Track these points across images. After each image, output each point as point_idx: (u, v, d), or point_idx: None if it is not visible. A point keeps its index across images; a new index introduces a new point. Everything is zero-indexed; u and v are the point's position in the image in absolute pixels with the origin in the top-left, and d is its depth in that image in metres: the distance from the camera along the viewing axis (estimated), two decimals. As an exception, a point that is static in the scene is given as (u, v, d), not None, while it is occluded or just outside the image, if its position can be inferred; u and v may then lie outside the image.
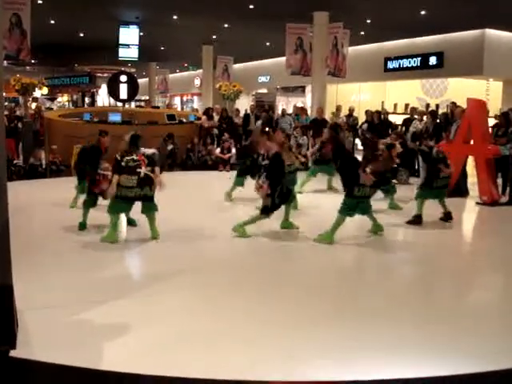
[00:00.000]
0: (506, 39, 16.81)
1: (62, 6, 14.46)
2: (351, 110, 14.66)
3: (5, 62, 13.28)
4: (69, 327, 3.74)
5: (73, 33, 18.75)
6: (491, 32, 16.49)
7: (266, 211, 6.31)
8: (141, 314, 4.02)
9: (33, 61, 23.00)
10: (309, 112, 15.23)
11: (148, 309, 4.15)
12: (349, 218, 6.23)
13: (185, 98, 34.15)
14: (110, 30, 16.70)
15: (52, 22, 16.79)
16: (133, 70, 22.98)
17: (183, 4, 14.04)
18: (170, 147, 12.56)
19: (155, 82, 27.44)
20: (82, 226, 6.51)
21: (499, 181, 9.36)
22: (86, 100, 32.84)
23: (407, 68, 18.69)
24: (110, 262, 5.43)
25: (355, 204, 6.16)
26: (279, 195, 6.26)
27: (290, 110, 19.71)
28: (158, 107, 19.34)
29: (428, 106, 18.20)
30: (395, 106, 19.56)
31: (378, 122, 12.51)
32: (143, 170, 5.90)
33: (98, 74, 30.08)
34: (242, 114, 15.33)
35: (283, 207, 6.59)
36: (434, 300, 4.69)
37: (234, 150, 12.84)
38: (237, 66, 22.71)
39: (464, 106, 9.84)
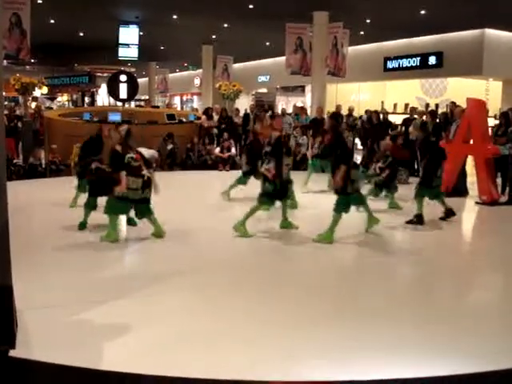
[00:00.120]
0: (505, 39, 16.83)
1: (61, 6, 14.48)
2: (351, 110, 14.66)
3: (5, 61, 13.26)
4: (69, 327, 3.74)
5: (73, 32, 18.77)
6: (491, 32, 16.51)
7: (267, 197, 6.30)
8: (141, 314, 4.02)
9: (33, 60, 23.01)
10: (308, 112, 15.23)
11: (148, 309, 4.14)
12: (348, 217, 6.21)
13: (184, 98, 34.19)
14: (109, 30, 16.71)
15: (52, 21, 16.80)
16: (132, 70, 22.98)
17: (183, 4, 14.05)
18: (169, 147, 12.57)
19: (155, 82, 27.46)
20: (82, 226, 6.50)
21: (499, 180, 9.37)
22: (86, 99, 32.86)
23: (407, 68, 18.71)
24: (110, 262, 5.43)
25: (348, 200, 6.15)
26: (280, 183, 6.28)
27: (289, 110, 19.73)
28: (157, 107, 19.34)
29: (427, 105, 18.23)
30: (395, 105, 19.59)
31: (377, 123, 12.50)
32: (147, 173, 5.89)
33: (98, 74, 30.09)
34: (241, 113, 15.34)
35: (283, 208, 6.61)
36: (433, 300, 4.69)
37: (233, 150, 12.85)
38: (236, 65, 22.72)
39: (463, 105, 9.85)
